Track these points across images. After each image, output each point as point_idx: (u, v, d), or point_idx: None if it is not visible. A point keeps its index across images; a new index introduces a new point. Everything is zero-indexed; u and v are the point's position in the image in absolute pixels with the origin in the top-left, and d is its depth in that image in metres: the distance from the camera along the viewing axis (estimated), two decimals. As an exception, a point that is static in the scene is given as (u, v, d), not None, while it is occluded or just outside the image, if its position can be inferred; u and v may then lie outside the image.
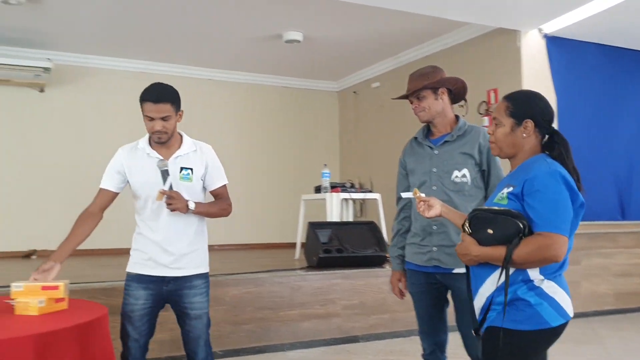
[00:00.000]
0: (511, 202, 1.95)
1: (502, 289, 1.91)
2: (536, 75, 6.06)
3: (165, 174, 2.64)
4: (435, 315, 2.75)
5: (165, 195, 2.57)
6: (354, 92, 8.64)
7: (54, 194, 7.28)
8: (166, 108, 2.62)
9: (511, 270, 1.91)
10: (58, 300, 2.33)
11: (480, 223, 1.96)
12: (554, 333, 1.90)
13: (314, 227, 5.25)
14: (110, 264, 6.16)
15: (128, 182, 2.76)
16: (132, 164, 2.72)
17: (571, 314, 1.92)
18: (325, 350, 4.58)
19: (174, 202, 2.58)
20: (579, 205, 1.93)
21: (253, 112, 8.47)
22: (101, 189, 2.81)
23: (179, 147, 2.75)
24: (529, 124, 2.01)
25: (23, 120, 7.23)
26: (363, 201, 7.54)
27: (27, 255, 7.01)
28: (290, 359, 4.41)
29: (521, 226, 1.88)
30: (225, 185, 2.87)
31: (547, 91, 6.12)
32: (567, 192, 1.89)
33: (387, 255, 5.51)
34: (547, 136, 2.04)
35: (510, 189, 1.97)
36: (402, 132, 7.68)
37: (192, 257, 2.73)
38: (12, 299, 2.33)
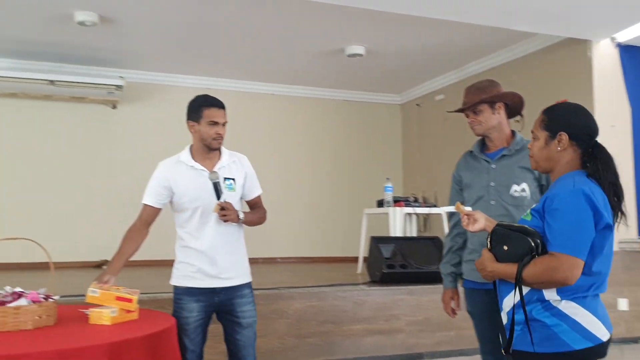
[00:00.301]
0: (534, 218, 1.91)
1: (519, 307, 1.86)
2: (608, 86, 5.83)
3: (217, 185, 2.70)
4: (498, 335, 2.67)
5: (220, 207, 2.62)
6: (417, 104, 8.57)
7: (125, 207, 7.49)
8: (225, 114, 2.78)
9: (526, 289, 1.86)
10: (129, 310, 2.40)
11: (498, 239, 1.93)
12: (580, 357, 1.80)
13: (377, 242, 5.22)
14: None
15: (172, 196, 2.78)
16: (178, 177, 2.76)
17: (603, 337, 1.81)
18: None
19: (227, 213, 2.64)
20: (605, 227, 1.83)
21: (315, 126, 8.53)
22: (146, 206, 2.84)
23: (219, 158, 2.83)
24: (563, 136, 1.93)
25: (97, 135, 7.54)
26: (427, 216, 7.44)
27: (99, 265, 7.26)
28: (353, 374, 4.38)
29: (533, 244, 1.83)
30: (260, 194, 2.94)
31: (621, 103, 5.89)
32: (589, 213, 1.80)
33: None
34: (589, 150, 1.95)
35: (535, 205, 1.94)
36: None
37: (237, 267, 2.78)
38: (87, 309, 2.41)
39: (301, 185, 8.26)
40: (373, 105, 8.90)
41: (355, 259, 6.53)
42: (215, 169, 2.77)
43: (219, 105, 2.77)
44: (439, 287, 4.92)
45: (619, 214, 1.89)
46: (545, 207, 1.87)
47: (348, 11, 5.25)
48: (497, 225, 1.98)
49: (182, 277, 2.72)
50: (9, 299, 2.24)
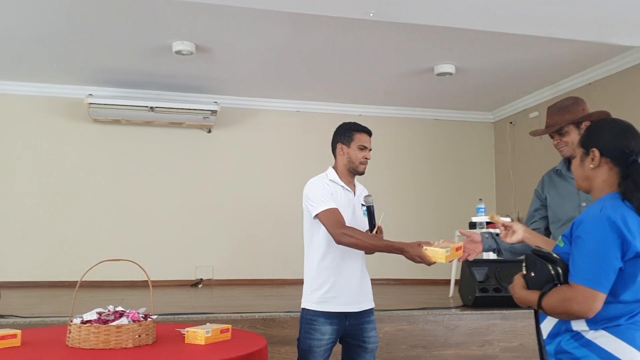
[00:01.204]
0: (566, 245, 1.81)
1: (552, 337, 1.79)
2: None
3: (371, 209, 2.78)
4: None
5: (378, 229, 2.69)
6: (511, 122, 8.33)
7: (219, 226, 7.79)
8: (371, 142, 2.90)
9: (555, 319, 1.79)
10: (223, 331, 2.47)
11: (528, 265, 1.86)
12: None
13: (470, 265, 5.09)
14: (271, 295, 6.43)
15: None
16: (334, 194, 2.81)
17: None
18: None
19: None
20: (635, 256, 1.68)
21: (405, 146, 8.47)
22: (328, 210, 2.71)
23: (355, 185, 2.93)
24: (595, 153, 1.83)
25: (193, 159, 7.87)
26: (521, 237, 7.17)
27: (195, 284, 7.54)
28: (445, 401, 4.27)
29: (553, 273, 1.74)
30: None
31: None
32: (614, 242, 1.67)
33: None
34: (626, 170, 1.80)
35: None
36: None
37: (366, 291, 2.85)
38: (183, 328, 2.51)
39: (390, 206, 8.21)
40: (464, 123, 8.74)
41: (447, 282, 6.40)
42: (357, 193, 2.88)
43: (369, 132, 2.92)
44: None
45: None
46: (572, 232, 1.78)
47: (437, 30, 5.22)
48: (531, 249, 1.90)
49: (319, 300, 2.74)
50: (112, 317, 2.37)
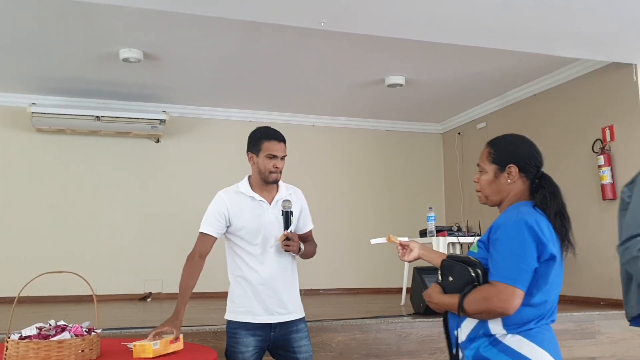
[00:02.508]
0: (480, 250, 1.90)
1: (470, 340, 1.83)
2: (657, 109, 5.67)
3: (289, 215, 2.71)
4: None
5: (285, 237, 2.62)
6: (459, 133, 8.49)
7: (168, 238, 7.63)
8: (285, 148, 2.77)
9: (473, 323, 1.83)
10: (172, 341, 2.40)
11: (445, 270, 1.93)
12: None
13: (421, 273, 5.12)
14: (222, 307, 6.31)
15: (228, 227, 2.78)
16: (237, 208, 2.75)
17: None
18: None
19: (291, 244, 2.64)
20: (549, 258, 1.79)
21: (356, 156, 8.52)
22: (204, 235, 2.80)
23: (277, 190, 2.83)
24: (513, 169, 1.93)
25: (141, 169, 7.70)
26: (470, 245, 7.29)
27: (144, 297, 7.35)
28: (398, 410, 4.26)
29: (473, 274, 1.81)
30: (312, 229, 2.96)
31: (671, 126, 5.71)
32: (530, 243, 1.77)
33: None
34: (536, 181, 1.95)
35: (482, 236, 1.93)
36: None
37: (294, 301, 2.76)
38: (130, 342, 2.42)
39: (343, 216, 8.22)
40: (414, 134, 8.85)
41: (399, 290, 6.43)
42: (274, 201, 2.78)
43: (279, 138, 2.77)
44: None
45: (567, 243, 1.86)
46: (489, 237, 1.87)
47: (387, 41, 5.27)
48: (448, 255, 1.99)
49: (240, 312, 2.70)
50: (53, 332, 2.26)
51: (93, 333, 2.32)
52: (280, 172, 2.77)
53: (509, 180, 1.94)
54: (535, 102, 6.98)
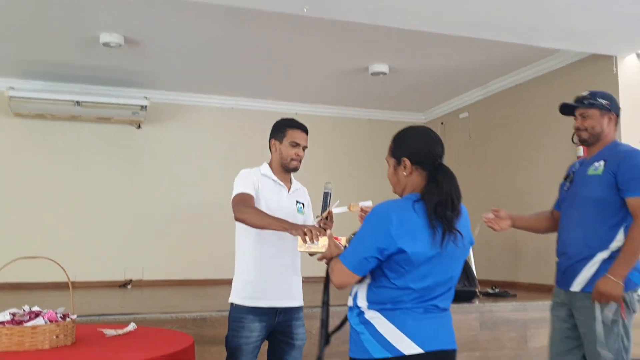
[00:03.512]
0: None
1: (351, 308, 1.97)
2: (635, 101, 5.72)
3: (328, 197, 2.80)
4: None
5: (325, 217, 2.67)
6: (442, 123, 8.51)
7: (149, 225, 7.59)
8: (307, 139, 2.88)
9: (354, 292, 1.97)
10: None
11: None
12: None
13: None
14: (200, 295, 6.30)
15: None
16: (262, 185, 2.76)
17: (406, 351, 1.81)
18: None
19: (329, 224, 2.68)
20: (398, 251, 1.83)
21: (339, 145, 8.51)
22: (247, 194, 2.66)
23: (291, 181, 2.90)
24: (407, 162, 1.98)
25: (121, 155, 7.63)
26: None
27: (124, 284, 7.31)
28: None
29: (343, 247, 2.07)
30: None
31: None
32: (377, 233, 1.85)
33: (477, 289, 5.31)
34: (433, 173, 1.98)
35: None
36: (491, 162, 7.49)
37: (296, 289, 2.82)
38: (106, 328, 2.40)
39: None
40: (397, 124, 8.66)
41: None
42: (291, 190, 2.86)
43: (303, 128, 2.88)
44: (463, 306, 4.85)
45: (449, 233, 1.87)
46: None
47: (371, 30, 5.25)
48: None
49: (248, 296, 2.68)
50: (26, 318, 2.23)
51: (68, 319, 2.30)
52: (300, 162, 2.85)
53: (404, 173, 2.00)
54: (517, 93, 7.01)
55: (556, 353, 2.76)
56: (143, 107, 7.17)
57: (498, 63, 6.54)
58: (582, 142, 2.82)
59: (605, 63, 5.80)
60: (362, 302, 1.93)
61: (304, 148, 2.86)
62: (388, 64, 6.56)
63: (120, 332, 2.51)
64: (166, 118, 7.79)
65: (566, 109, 2.92)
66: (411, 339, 1.84)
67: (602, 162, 2.65)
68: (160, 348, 2.16)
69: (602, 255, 2.57)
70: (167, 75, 7.04)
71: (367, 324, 1.89)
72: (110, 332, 2.50)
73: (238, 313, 2.68)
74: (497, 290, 5.79)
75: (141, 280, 7.45)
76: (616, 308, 2.50)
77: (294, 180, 2.92)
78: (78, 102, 6.91)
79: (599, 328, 2.51)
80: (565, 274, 2.68)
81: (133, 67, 6.65)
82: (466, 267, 5.21)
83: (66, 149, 7.41)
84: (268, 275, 2.70)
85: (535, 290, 6.36)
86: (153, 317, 4.16)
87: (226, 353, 2.72)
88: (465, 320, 4.70)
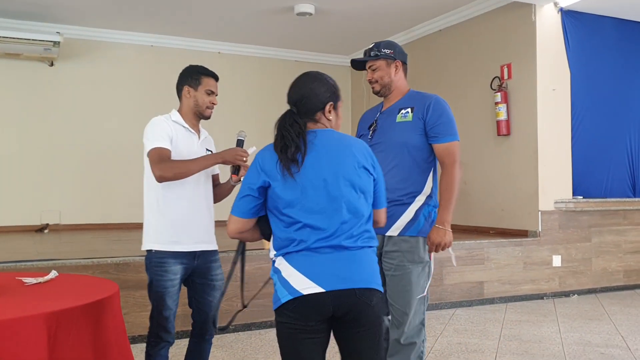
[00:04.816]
0: None
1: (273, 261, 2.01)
2: (551, 49, 5.96)
3: (241, 144, 2.86)
4: None
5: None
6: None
7: (65, 167, 7.31)
8: (217, 86, 2.86)
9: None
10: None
11: None
12: (288, 310, 1.88)
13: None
14: (121, 239, 6.21)
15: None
16: (174, 133, 2.74)
17: (304, 291, 1.86)
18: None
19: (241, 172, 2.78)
20: (267, 185, 1.95)
21: (263, 86, 8.40)
22: (160, 148, 2.64)
23: (199, 129, 2.89)
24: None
25: (33, 94, 7.23)
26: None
27: (40, 229, 7.07)
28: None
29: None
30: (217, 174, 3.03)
31: (562, 67, 6.03)
32: (252, 175, 1.97)
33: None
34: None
35: None
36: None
37: (213, 232, 2.85)
38: (25, 277, 2.33)
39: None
40: (323, 66, 8.80)
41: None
42: (202, 138, 2.86)
43: (216, 77, 2.87)
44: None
45: (285, 161, 1.93)
46: None
47: (296, -31, 5.14)
48: None
49: (166, 241, 2.69)
50: (-60, 268, 2.14)
51: (-16, 268, 2.22)
52: (213, 109, 2.86)
53: None
54: (440, 38, 7.12)
55: None
56: (56, 43, 6.77)
57: (421, 8, 6.59)
58: (376, 93, 2.89)
59: (524, 11, 5.97)
60: (272, 253, 1.99)
61: (216, 95, 2.88)
62: (314, 5, 6.46)
63: (41, 280, 2.46)
64: (81, 55, 7.40)
65: (357, 65, 2.95)
66: (310, 278, 1.86)
67: (409, 110, 2.72)
68: (84, 296, 2.13)
69: (420, 200, 2.67)
70: (82, 9, 6.63)
71: (276, 270, 1.94)
72: (30, 280, 2.45)
73: (159, 258, 2.68)
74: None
75: (58, 224, 7.23)
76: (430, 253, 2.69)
77: (202, 129, 2.91)
78: (-18, 36, 6.44)
79: (418, 270, 2.64)
80: None
81: (45, 0, 6.23)
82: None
83: (-29, 86, 6.95)
84: (186, 219, 2.71)
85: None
86: (73, 262, 4.09)
87: (151, 300, 2.72)
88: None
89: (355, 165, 1.96)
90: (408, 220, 2.65)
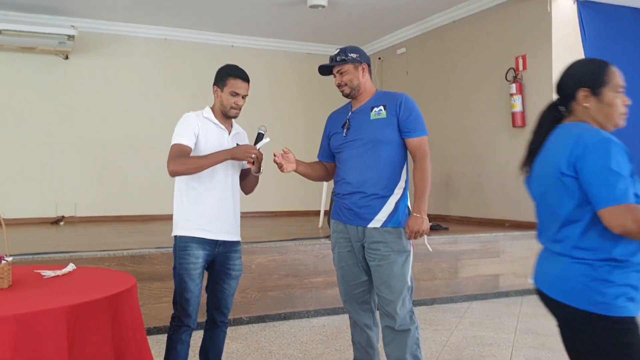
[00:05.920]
0: None
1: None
2: (567, 40, 5.88)
3: (260, 136, 2.95)
4: None
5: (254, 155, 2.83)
6: (379, 58, 8.51)
7: (80, 160, 7.36)
8: (248, 87, 2.96)
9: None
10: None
11: None
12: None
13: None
14: (136, 231, 6.25)
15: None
16: (204, 129, 2.87)
17: None
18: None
19: (258, 163, 2.89)
20: None
21: (277, 79, 8.40)
22: (179, 144, 2.78)
23: (232, 125, 3.02)
24: None
25: (49, 87, 7.27)
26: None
27: (56, 221, 7.13)
28: (314, 325, 4.45)
29: None
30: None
31: (578, 57, 5.94)
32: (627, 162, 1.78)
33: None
34: None
35: None
36: (428, 98, 7.59)
37: (238, 223, 2.99)
38: (43, 269, 2.35)
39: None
40: (335, 58, 8.78)
41: (317, 213, 6.56)
42: (232, 134, 2.97)
43: (244, 77, 2.93)
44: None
45: None
46: None
47: (309, -39, 5.12)
48: None
49: (192, 228, 2.82)
50: (-40, 261, 2.17)
51: (3, 261, 2.24)
52: (240, 109, 2.94)
53: None
54: (454, 29, 7.07)
55: (349, 288, 2.94)
56: (70, 37, 6.80)
57: (436, -1, 6.54)
58: (346, 96, 3.05)
59: (540, 2, 5.90)
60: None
61: (244, 96, 2.95)
62: (327, -3, 6.44)
63: (59, 272, 2.48)
64: (95, 48, 7.43)
65: (324, 70, 3.13)
66: None
67: (381, 107, 2.87)
68: (102, 289, 2.15)
69: (397, 193, 2.82)
70: (96, 3, 6.66)
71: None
72: (48, 273, 2.47)
73: (183, 242, 2.82)
74: (430, 223, 6.00)
75: (74, 217, 7.29)
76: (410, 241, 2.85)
77: (234, 124, 3.03)
78: (-1, 30, 6.49)
79: (402, 259, 2.78)
80: (361, 210, 2.82)
81: (58, -7, 6.26)
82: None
83: (-13, 80, 7.00)
84: (211, 210, 2.85)
85: (465, 223, 6.65)
86: (90, 255, 4.12)
87: (174, 283, 2.82)
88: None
89: None
90: (389, 212, 2.80)
